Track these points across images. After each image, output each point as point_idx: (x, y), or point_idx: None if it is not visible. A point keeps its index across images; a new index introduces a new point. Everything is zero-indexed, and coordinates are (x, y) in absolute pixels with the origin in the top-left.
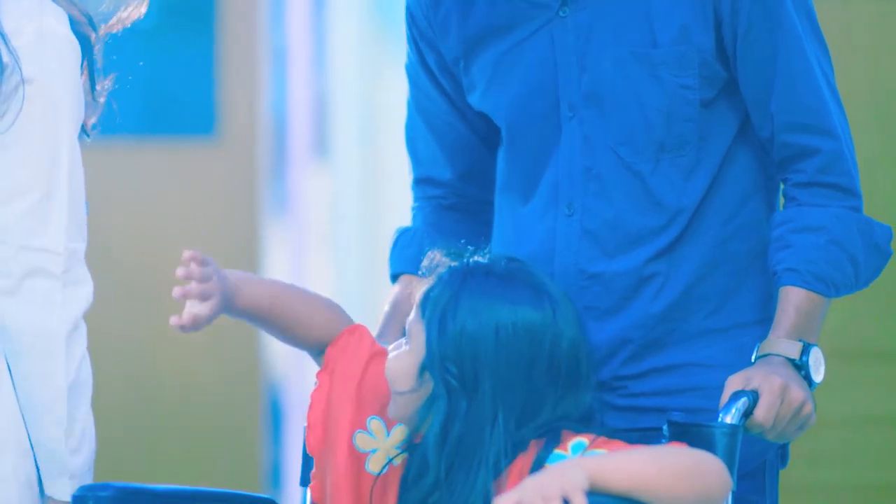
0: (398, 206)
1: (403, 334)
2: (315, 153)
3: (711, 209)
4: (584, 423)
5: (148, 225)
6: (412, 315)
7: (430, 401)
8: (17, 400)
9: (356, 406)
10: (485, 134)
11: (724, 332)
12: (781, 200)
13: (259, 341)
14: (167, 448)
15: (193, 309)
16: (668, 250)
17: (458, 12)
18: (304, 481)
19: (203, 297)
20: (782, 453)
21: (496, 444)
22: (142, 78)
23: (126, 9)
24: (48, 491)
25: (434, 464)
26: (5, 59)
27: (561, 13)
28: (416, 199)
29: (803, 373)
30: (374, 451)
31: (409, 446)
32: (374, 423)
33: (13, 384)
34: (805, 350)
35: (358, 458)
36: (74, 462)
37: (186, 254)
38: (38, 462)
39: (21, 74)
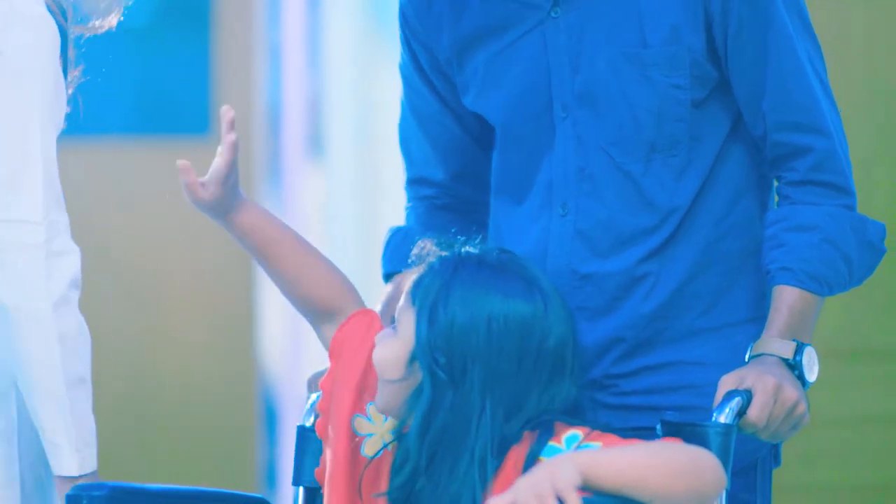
0: (393, 205)
1: (392, 322)
2: (310, 152)
3: (703, 209)
4: (574, 417)
5: (143, 224)
6: (401, 303)
7: (419, 390)
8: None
9: (359, 391)
10: (478, 134)
11: (716, 331)
12: (776, 198)
13: (255, 342)
14: (163, 448)
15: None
16: (659, 250)
17: (451, 13)
18: (297, 481)
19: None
20: (775, 453)
21: (482, 436)
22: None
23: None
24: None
25: (414, 453)
26: None
27: (553, 14)
28: (410, 199)
29: (797, 372)
30: (370, 435)
31: (399, 433)
32: (374, 409)
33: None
34: (799, 349)
35: (355, 442)
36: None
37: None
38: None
39: None
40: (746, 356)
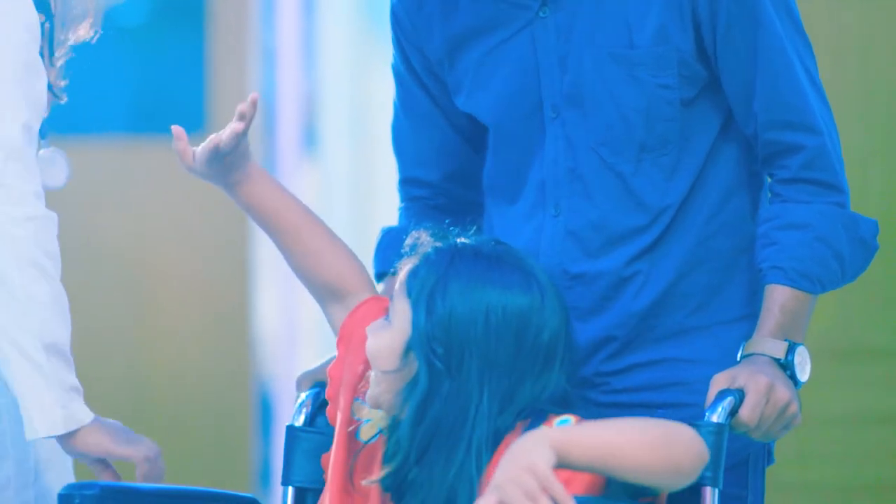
0: (387, 203)
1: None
2: (304, 151)
3: (694, 207)
4: (561, 405)
5: (138, 222)
6: (395, 293)
7: (414, 381)
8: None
9: (362, 377)
10: (470, 135)
11: (707, 329)
12: (769, 195)
13: (250, 340)
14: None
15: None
16: (650, 249)
17: (441, 13)
18: (286, 481)
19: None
20: (768, 450)
21: (479, 427)
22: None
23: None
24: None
25: (406, 442)
26: None
27: (541, 14)
28: (402, 199)
29: (789, 372)
30: (367, 420)
31: (393, 422)
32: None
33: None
34: (790, 349)
35: (353, 427)
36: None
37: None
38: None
39: None
40: (738, 355)
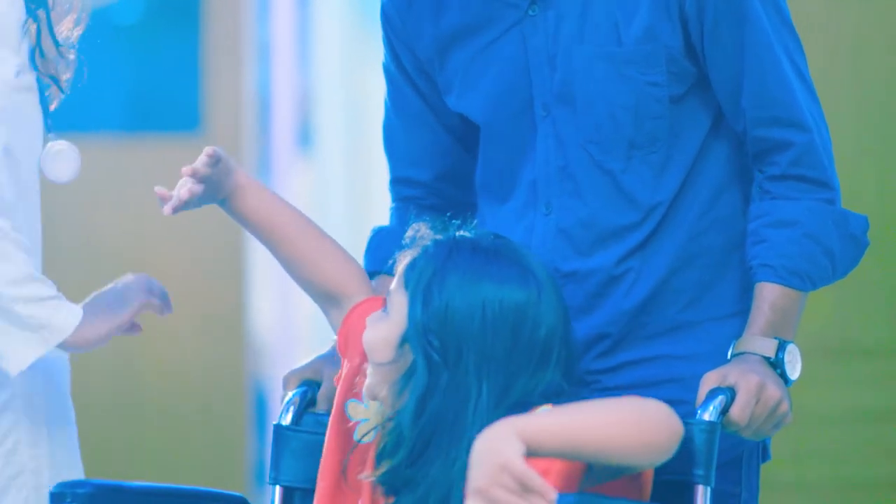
0: (382, 200)
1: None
2: (299, 148)
3: (685, 203)
4: (554, 399)
5: (133, 221)
6: (394, 285)
7: (409, 373)
8: None
9: (356, 377)
10: (462, 134)
11: (700, 325)
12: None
13: (245, 338)
14: (152, 444)
15: (181, 188)
16: (641, 246)
17: (431, 12)
18: (274, 480)
19: (196, 179)
20: (763, 447)
21: (479, 421)
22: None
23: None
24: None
25: (408, 438)
26: None
27: (530, 12)
28: (394, 199)
29: (779, 370)
30: (364, 420)
31: (390, 418)
32: (373, 403)
33: None
34: (780, 347)
35: (347, 427)
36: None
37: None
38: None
39: None
40: (728, 354)
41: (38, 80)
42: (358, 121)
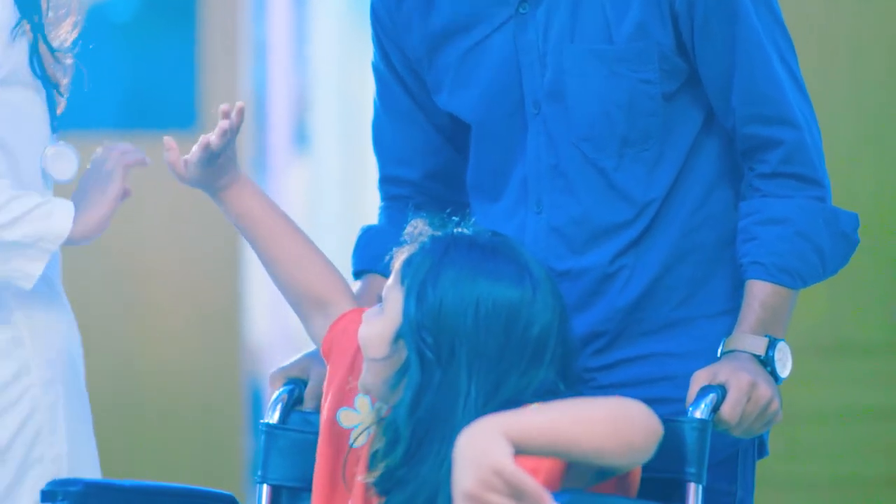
0: (377, 199)
1: (379, 301)
2: (295, 147)
3: (678, 200)
4: (546, 398)
5: (129, 218)
6: (390, 281)
7: (403, 369)
8: None
9: (344, 386)
10: (451, 133)
11: (694, 322)
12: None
13: (241, 337)
14: (148, 443)
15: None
16: (635, 243)
17: (421, 11)
18: (262, 479)
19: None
20: (759, 443)
21: (467, 419)
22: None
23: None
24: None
25: (404, 435)
26: None
27: (521, 10)
28: (383, 198)
29: (769, 368)
30: (357, 425)
31: (379, 419)
32: (361, 401)
33: None
34: (771, 345)
35: (340, 435)
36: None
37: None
38: None
39: None
40: (719, 351)
41: (45, 81)
42: (354, 120)
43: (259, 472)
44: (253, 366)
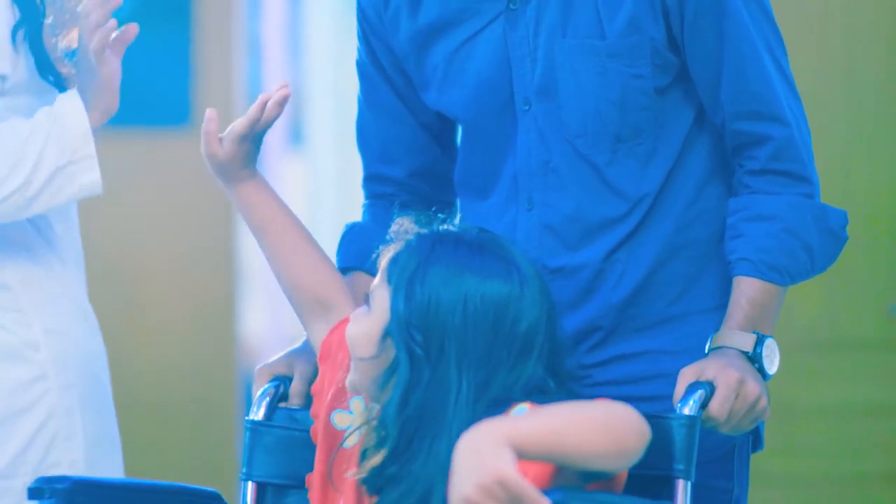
0: None
1: (366, 301)
2: (290, 144)
3: (671, 195)
4: (536, 396)
5: (123, 215)
6: (377, 280)
7: (392, 368)
8: None
9: (340, 389)
10: (437, 131)
11: (688, 318)
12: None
13: (235, 333)
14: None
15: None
16: (629, 238)
17: (409, 7)
18: (247, 476)
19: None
20: (755, 437)
21: (459, 416)
22: None
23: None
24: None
25: (393, 433)
26: None
27: (511, 5)
28: (367, 196)
29: (757, 365)
30: (349, 426)
31: (370, 418)
32: (356, 402)
33: None
34: (759, 342)
35: (335, 437)
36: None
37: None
38: None
39: None
40: (706, 347)
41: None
42: (349, 117)
43: (244, 469)
44: (247, 362)
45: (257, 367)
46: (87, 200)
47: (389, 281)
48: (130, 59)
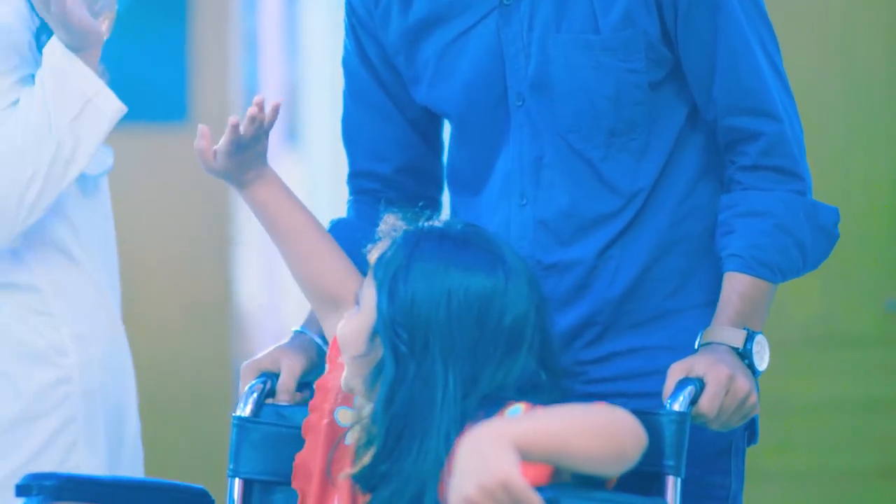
0: None
1: (357, 301)
2: (286, 140)
3: (665, 190)
4: (531, 394)
5: (120, 210)
6: (366, 279)
7: (380, 365)
8: None
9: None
10: (424, 128)
11: (683, 313)
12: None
13: (231, 329)
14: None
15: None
16: (623, 233)
17: (400, 2)
18: (234, 472)
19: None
20: (750, 431)
21: (447, 411)
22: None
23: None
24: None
25: (381, 431)
26: None
27: (505, 1)
28: (352, 192)
29: (747, 361)
30: (352, 423)
31: (362, 416)
32: (361, 400)
33: None
34: (749, 338)
35: (337, 433)
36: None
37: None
38: None
39: None
40: (696, 343)
41: None
42: None
43: (231, 466)
44: (244, 357)
45: (244, 363)
46: None
47: (375, 279)
48: (128, 56)
